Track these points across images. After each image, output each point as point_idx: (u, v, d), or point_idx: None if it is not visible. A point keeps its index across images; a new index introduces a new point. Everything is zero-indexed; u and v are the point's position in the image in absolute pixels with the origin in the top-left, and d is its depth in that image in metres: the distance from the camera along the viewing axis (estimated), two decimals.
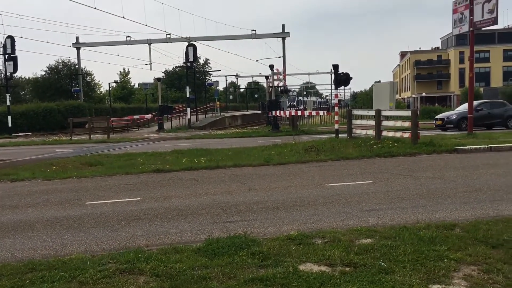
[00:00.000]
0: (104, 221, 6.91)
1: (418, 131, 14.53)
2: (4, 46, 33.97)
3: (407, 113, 16.78)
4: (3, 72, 35.83)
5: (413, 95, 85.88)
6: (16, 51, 34.04)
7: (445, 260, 4.53)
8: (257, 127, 35.67)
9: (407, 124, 14.92)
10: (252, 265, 4.59)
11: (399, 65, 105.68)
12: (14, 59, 33.98)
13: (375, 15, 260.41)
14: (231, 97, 78.74)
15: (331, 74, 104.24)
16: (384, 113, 15.96)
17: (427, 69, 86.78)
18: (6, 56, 33.88)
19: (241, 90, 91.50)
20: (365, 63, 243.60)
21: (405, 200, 7.54)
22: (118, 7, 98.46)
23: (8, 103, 34.21)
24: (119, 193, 9.15)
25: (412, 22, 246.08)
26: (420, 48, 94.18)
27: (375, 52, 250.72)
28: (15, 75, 37.62)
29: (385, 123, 15.98)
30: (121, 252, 5.10)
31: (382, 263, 4.47)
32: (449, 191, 8.12)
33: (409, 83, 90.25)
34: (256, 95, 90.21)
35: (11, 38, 33.71)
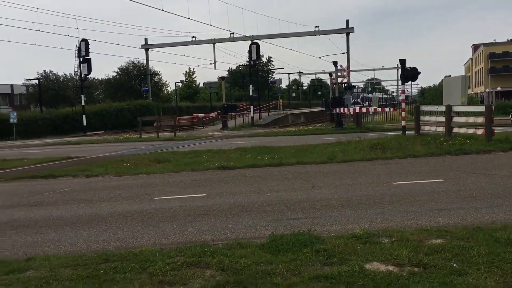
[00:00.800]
0: (172, 216, 7.13)
1: (493, 127, 13.74)
2: (79, 49, 36.00)
3: (481, 108, 15.90)
4: (78, 73, 37.92)
5: (487, 90, 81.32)
6: (90, 54, 36.05)
7: None
8: (320, 124, 35.31)
9: (480, 120, 14.14)
10: (317, 263, 4.55)
11: (471, 58, 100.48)
12: (88, 61, 35.98)
13: (443, 7, 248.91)
14: (293, 94, 78.49)
15: (397, 70, 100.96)
16: (455, 108, 15.25)
17: (502, 62, 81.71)
18: (81, 58, 35.92)
19: (304, 88, 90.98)
20: (433, 57, 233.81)
21: (478, 200, 7.15)
22: (184, 8, 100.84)
23: (83, 103, 36.28)
24: (185, 189, 9.41)
25: (485, 13, 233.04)
26: (494, 40, 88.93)
27: (445, 46, 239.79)
28: (89, 76, 39.72)
29: (456, 119, 15.25)
30: (188, 246, 5.24)
31: (454, 264, 4.27)
32: None
33: (482, 77, 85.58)
34: (319, 93, 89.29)
35: (85, 41, 35.70)
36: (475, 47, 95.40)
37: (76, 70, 38.01)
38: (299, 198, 7.91)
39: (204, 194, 8.73)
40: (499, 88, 76.98)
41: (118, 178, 11.38)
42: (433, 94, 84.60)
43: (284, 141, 19.15)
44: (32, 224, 7.08)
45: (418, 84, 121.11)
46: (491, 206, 6.73)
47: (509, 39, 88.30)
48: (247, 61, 37.27)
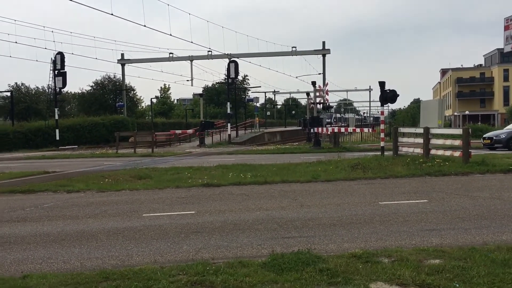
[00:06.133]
0: (163, 233, 7.04)
1: (470, 150, 14.16)
2: (54, 62, 35.38)
3: (458, 131, 16.38)
4: (51, 87, 37.22)
5: (455, 113, 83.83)
6: (65, 67, 35.50)
7: None
8: (297, 143, 35.61)
9: (457, 142, 14.57)
10: (322, 282, 4.56)
11: (439, 82, 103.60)
12: (63, 75, 35.41)
13: (412, 31, 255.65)
14: (268, 113, 79.12)
15: (369, 91, 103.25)
16: (432, 131, 15.65)
17: (469, 86, 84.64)
18: (56, 71, 35.29)
19: (279, 107, 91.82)
20: (403, 80, 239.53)
21: (466, 221, 7.33)
22: (165, 24, 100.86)
23: (56, 117, 35.55)
24: (173, 206, 9.31)
25: (453, 38, 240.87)
26: (462, 65, 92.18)
27: (414, 69, 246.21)
28: (62, 90, 38.99)
29: (433, 141, 15.65)
30: (189, 264, 5.18)
31: (457, 285, 4.36)
32: (511, 212, 7.86)
33: (450, 101, 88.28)
34: (293, 112, 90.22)
35: (61, 54, 35.18)
36: (444, 72, 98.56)
37: (50, 83, 37.33)
38: (290, 217, 7.93)
39: (193, 212, 8.66)
40: (467, 112, 79.41)
41: (101, 194, 11.16)
42: (404, 116, 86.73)
43: (264, 159, 19.20)
44: (18, 240, 6.86)
45: (388, 106, 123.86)
46: (479, 227, 6.91)
47: (476, 64, 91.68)
48: (224, 79, 37.45)
